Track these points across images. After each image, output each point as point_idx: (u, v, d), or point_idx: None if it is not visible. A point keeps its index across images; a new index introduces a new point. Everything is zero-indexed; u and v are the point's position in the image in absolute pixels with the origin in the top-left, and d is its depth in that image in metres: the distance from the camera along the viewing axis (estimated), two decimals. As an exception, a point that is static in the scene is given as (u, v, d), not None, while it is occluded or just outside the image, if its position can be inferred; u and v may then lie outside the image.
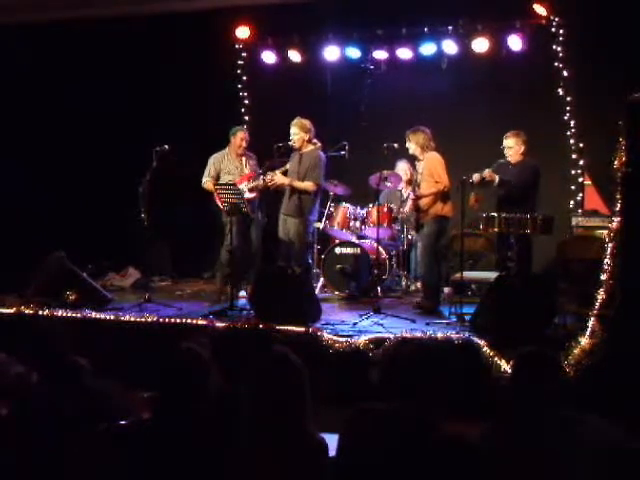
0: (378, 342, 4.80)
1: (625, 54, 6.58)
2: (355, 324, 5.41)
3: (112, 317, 5.55)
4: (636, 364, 4.05)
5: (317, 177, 6.30)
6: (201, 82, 7.99)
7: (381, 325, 5.37)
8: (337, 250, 6.94)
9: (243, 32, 8.19)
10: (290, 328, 5.06)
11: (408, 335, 4.82)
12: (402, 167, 7.30)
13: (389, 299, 6.79)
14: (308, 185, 6.28)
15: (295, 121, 6.36)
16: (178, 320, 5.38)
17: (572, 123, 7.30)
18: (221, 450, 2.40)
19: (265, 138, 6.65)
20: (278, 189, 6.49)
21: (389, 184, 6.87)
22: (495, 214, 5.66)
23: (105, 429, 2.57)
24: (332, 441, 2.47)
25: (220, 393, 2.63)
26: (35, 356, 3.42)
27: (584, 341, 4.46)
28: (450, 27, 7.48)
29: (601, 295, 4.52)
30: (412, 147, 6.17)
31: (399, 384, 2.59)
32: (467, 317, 5.42)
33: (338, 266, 6.85)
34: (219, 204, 6.35)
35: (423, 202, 6.12)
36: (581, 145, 7.30)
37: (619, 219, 4.47)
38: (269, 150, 6.37)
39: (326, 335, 4.99)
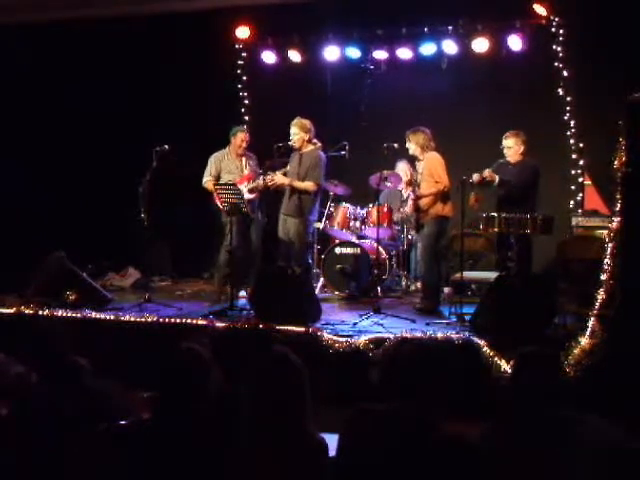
0: (378, 342, 4.80)
1: (625, 54, 6.58)
2: (355, 324, 5.41)
3: (112, 317, 5.55)
4: (636, 364, 4.05)
5: (317, 177, 6.30)
6: (201, 82, 7.98)
7: (381, 325, 5.37)
8: (337, 250, 6.95)
9: (243, 32, 8.19)
10: (290, 328, 5.06)
11: (408, 335, 4.82)
12: (402, 167, 7.30)
13: (389, 299, 6.79)
14: (308, 185, 6.28)
15: (295, 121, 6.36)
16: (178, 320, 5.38)
17: (572, 123, 7.30)
18: (221, 450, 2.40)
19: (265, 138, 6.65)
20: (278, 189, 6.49)
21: (389, 184, 6.87)
22: (495, 214, 5.66)
23: (105, 429, 2.57)
24: (332, 441, 2.47)
25: (220, 393, 2.63)
26: (35, 356, 3.42)
27: (584, 341, 4.46)
28: (450, 27, 7.48)
29: (601, 295, 4.52)
30: (412, 147, 6.17)
31: (399, 384, 2.59)
32: (467, 317, 5.42)
33: (338, 266, 6.85)
34: (219, 204, 6.35)
35: (423, 202, 6.11)
36: (581, 145, 7.30)
37: (619, 219, 4.47)
38: (269, 150, 6.37)
39: (326, 335, 4.99)
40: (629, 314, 4.30)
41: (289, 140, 6.35)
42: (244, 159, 6.70)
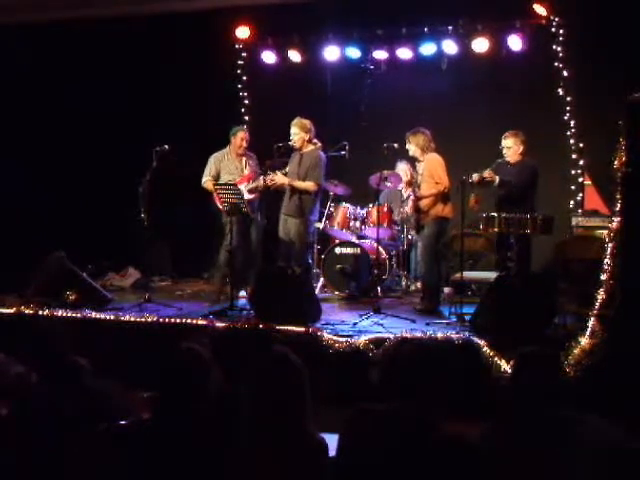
0: (378, 342, 4.80)
1: (625, 54, 6.58)
2: (355, 324, 5.41)
3: (112, 317, 5.55)
4: (636, 364, 4.05)
5: (318, 177, 6.30)
6: (201, 82, 7.98)
7: (381, 325, 5.37)
8: (337, 250, 6.95)
9: (243, 32, 8.19)
10: (290, 328, 5.06)
11: (408, 335, 4.82)
12: (402, 167, 7.30)
13: (389, 299, 6.79)
14: (309, 185, 6.27)
15: (295, 121, 6.35)
16: (178, 320, 5.38)
17: (572, 123, 7.30)
18: (221, 450, 2.40)
19: (265, 138, 6.65)
20: (278, 189, 6.49)
21: (389, 184, 6.87)
22: (495, 214, 5.66)
23: (105, 429, 2.57)
24: (332, 441, 2.47)
25: (220, 393, 2.63)
26: (35, 356, 3.42)
27: (584, 341, 4.46)
28: (450, 27, 7.48)
29: (601, 295, 4.52)
30: (412, 149, 6.17)
31: (399, 384, 2.59)
32: (467, 317, 5.42)
33: (338, 266, 6.85)
34: (218, 204, 6.35)
35: (423, 203, 6.12)
36: (581, 145, 7.30)
37: (619, 219, 4.47)
38: (269, 150, 6.37)
39: (326, 335, 4.99)
40: (629, 314, 4.30)
41: (289, 140, 6.35)
42: (244, 159, 6.69)
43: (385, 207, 6.92)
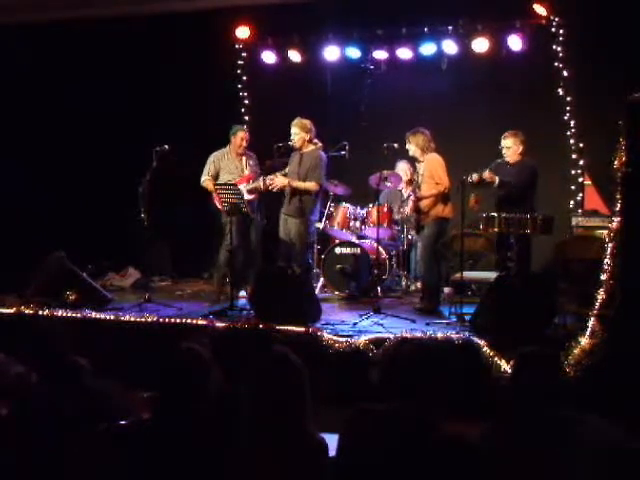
0: (378, 342, 4.81)
1: (625, 54, 6.57)
2: (355, 324, 5.41)
3: (112, 317, 5.56)
4: (636, 364, 4.05)
5: (318, 177, 6.30)
6: (201, 82, 7.98)
7: (381, 325, 5.37)
8: (337, 250, 6.95)
9: (243, 32, 8.19)
10: (290, 328, 5.06)
11: (408, 335, 4.82)
12: (402, 167, 7.30)
13: (389, 299, 6.79)
14: (310, 185, 6.27)
15: (295, 121, 6.35)
16: (178, 320, 5.39)
17: (572, 123, 7.30)
18: (221, 450, 2.40)
19: (265, 138, 6.65)
20: (279, 190, 6.48)
21: (389, 184, 6.87)
22: (495, 214, 5.66)
23: (105, 429, 2.57)
24: (332, 441, 2.47)
25: (220, 393, 2.63)
26: (35, 356, 3.42)
27: (584, 341, 4.46)
28: (450, 27, 7.48)
29: (601, 295, 4.52)
30: (412, 149, 6.17)
31: (399, 384, 2.59)
32: (467, 317, 5.42)
33: (338, 266, 6.85)
34: (218, 205, 6.35)
35: (424, 204, 6.12)
36: (581, 145, 7.29)
37: (619, 219, 4.47)
38: (269, 150, 6.37)
39: (326, 335, 4.99)
40: (629, 314, 4.30)
41: (289, 140, 6.34)
42: (244, 158, 6.69)
43: (385, 207, 6.92)
